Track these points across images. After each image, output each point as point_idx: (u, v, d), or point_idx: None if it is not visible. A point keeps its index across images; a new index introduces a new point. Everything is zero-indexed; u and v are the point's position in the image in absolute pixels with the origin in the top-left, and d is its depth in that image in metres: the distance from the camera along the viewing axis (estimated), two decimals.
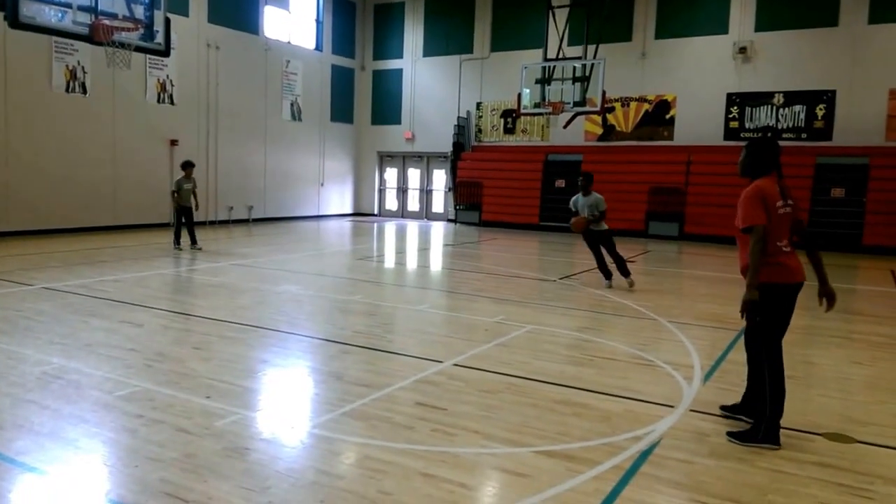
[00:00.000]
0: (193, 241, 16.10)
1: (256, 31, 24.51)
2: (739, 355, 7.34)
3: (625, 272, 11.99)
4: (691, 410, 5.84)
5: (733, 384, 6.35)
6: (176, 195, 16.01)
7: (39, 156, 18.10)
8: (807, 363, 7.54)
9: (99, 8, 11.26)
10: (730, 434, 5.22)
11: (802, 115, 21.75)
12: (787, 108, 21.93)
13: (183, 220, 16.10)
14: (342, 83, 28.99)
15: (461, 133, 27.23)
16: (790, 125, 21.91)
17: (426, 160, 29.01)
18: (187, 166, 16.10)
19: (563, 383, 6.49)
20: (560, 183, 24.52)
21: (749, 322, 5.17)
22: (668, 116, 23.72)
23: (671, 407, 5.89)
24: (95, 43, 11.35)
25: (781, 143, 21.41)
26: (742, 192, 5.20)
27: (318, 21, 27.54)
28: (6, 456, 4.60)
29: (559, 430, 5.31)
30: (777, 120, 22.06)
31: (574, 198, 12.33)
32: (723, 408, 5.71)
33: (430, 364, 7.02)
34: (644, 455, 4.88)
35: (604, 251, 12.24)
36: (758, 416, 5.23)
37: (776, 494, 4.35)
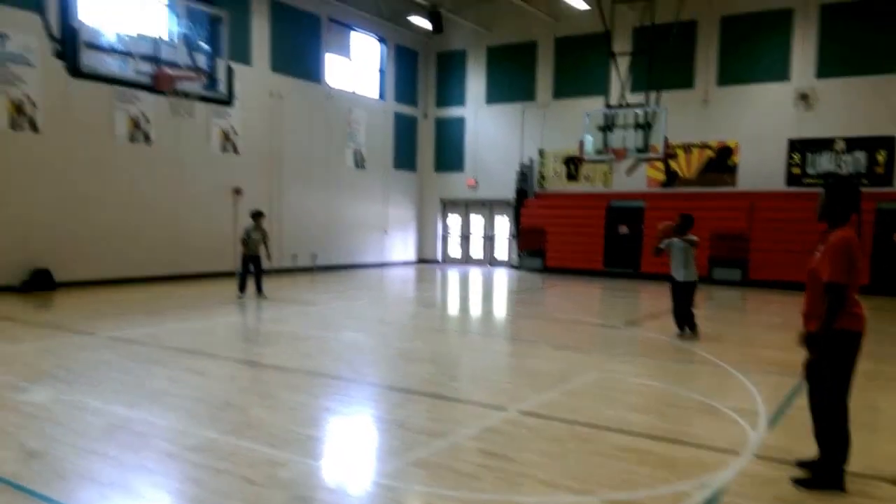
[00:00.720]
0: (259, 290, 16.23)
1: (319, 80, 24.87)
2: (805, 401, 7.17)
3: (693, 325, 11.65)
4: (757, 456, 5.70)
5: (799, 430, 6.12)
6: (244, 244, 16.20)
7: (103, 205, 18.25)
8: (871, 408, 7.31)
9: (161, 57, 11.26)
10: (795, 481, 5.09)
11: (863, 161, 21.43)
12: (848, 154, 21.64)
13: (251, 269, 16.24)
14: (405, 131, 29.33)
15: (524, 180, 27.27)
16: (851, 171, 21.56)
17: (489, 207, 29.07)
18: (257, 216, 16.28)
19: (628, 430, 6.36)
20: (623, 229, 24.36)
21: (812, 356, 5.05)
22: (730, 162, 23.52)
23: (736, 453, 5.74)
24: (158, 92, 11.35)
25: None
26: (831, 240, 5.02)
27: (381, 70, 27.97)
28: None
29: (624, 477, 5.20)
30: (838, 166, 21.73)
31: (668, 241, 12.06)
32: (799, 463, 5.48)
33: (494, 411, 6.95)
34: (710, 503, 4.77)
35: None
36: (822, 462, 5.11)
37: None
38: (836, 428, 5.02)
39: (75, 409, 6.82)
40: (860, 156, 21.48)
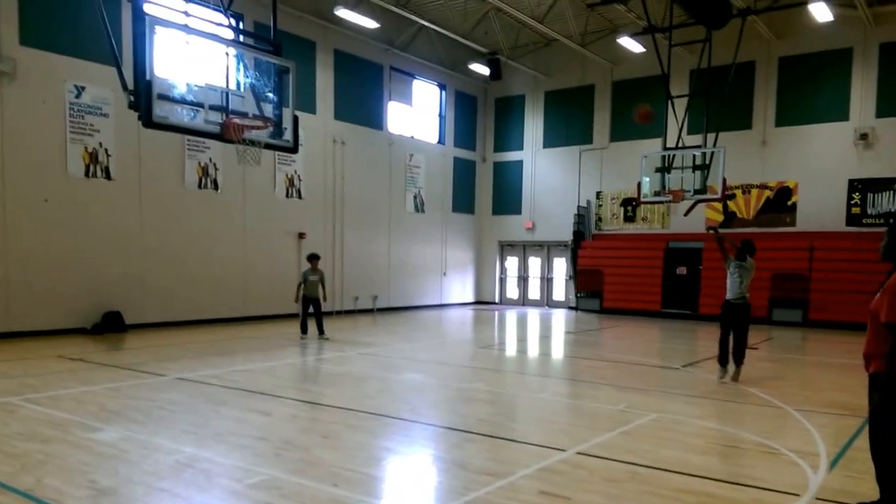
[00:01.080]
0: (321, 331, 16.51)
1: (381, 127, 25.35)
2: (867, 443, 7.08)
3: (739, 359, 11.44)
4: (818, 499, 5.66)
5: (861, 472, 6.10)
6: (302, 286, 16.52)
7: (173, 250, 18.75)
8: None
9: (230, 107, 11.48)
10: None
11: None
12: None
13: (311, 311, 16.54)
14: (464, 175, 29.63)
15: (581, 222, 27.32)
16: None
17: (546, 249, 29.11)
18: (313, 258, 16.65)
19: (688, 472, 6.36)
20: (682, 270, 24.22)
21: (875, 397, 5.01)
22: (789, 203, 23.24)
23: (797, 496, 5.71)
24: (226, 141, 11.51)
25: None
26: (889, 281, 5.02)
27: (440, 116, 28.41)
28: None
29: None
30: None
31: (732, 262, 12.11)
32: None
33: (553, 452, 6.98)
34: None
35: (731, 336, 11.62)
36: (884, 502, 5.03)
37: None
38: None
39: (145, 448, 6.98)
40: None
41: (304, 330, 16.57)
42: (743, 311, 11.60)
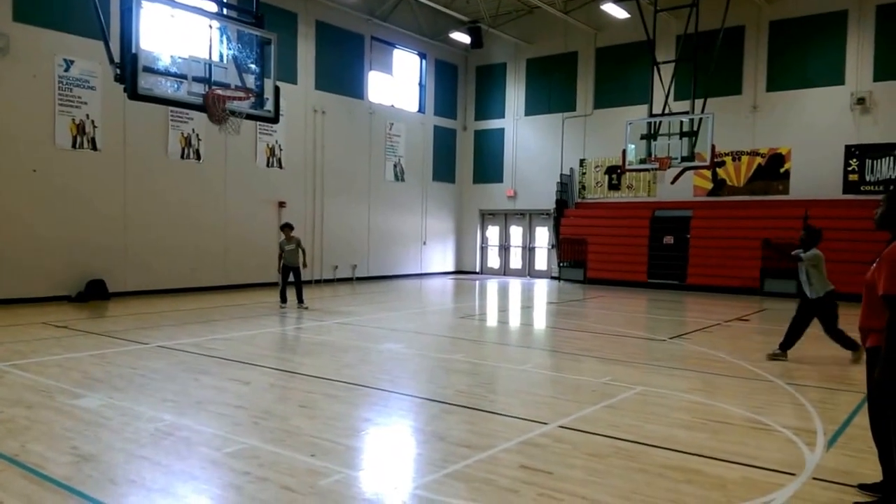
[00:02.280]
0: (300, 300, 16.48)
1: (361, 96, 25.23)
2: (867, 420, 6.98)
3: (850, 344, 10.46)
4: (814, 479, 5.49)
5: (861, 451, 5.95)
6: (281, 256, 16.59)
7: (155, 219, 18.93)
8: None
9: (213, 79, 11.67)
10: None
11: None
12: None
13: (290, 279, 16.53)
14: (444, 143, 29.44)
15: (564, 190, 27.14)
16: None
17: (528, 217, 28.98)
18: (285, 228, 16.78)
19: (675, 448, 6.23)
20: (668, 239, 24.01)
21: (877, 403, 4.86)
22: (782, 170, 22.92)
23: (792, 475, 5.55)
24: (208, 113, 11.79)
25: None
26: (886, 251, 4.74)
27: (420, 84, 28.18)
28: None
29: (671, 497, 5.08)
30: None
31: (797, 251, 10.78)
32: (861, 486, 5.27)
33: (534, 425, 6.87)
34: None
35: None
36: (887, 486, 4.89)
37: None
38: None
39: (126, 415, 7.06)
40: None
41: (283, 299, 16.56)
42: (814, 305, 10.64)
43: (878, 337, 4.75)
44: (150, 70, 10.62)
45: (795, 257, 10.53)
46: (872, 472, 5.27)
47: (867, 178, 21.48)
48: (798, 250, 10.60)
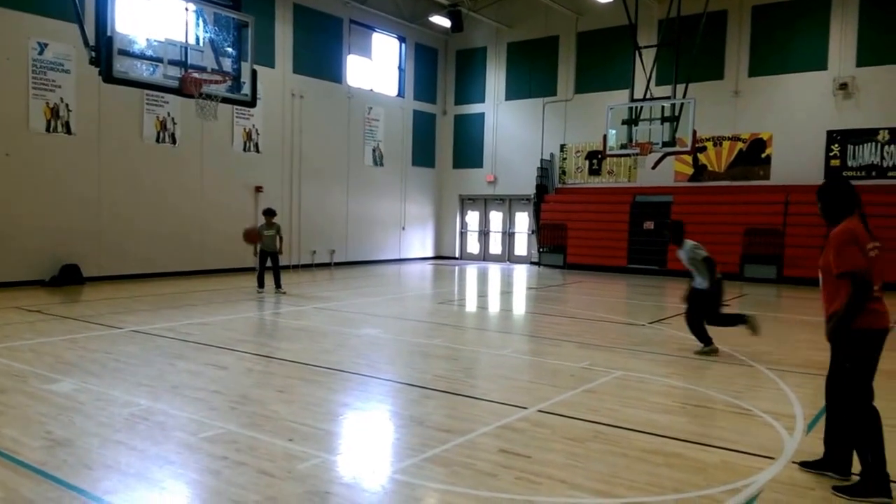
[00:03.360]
0: (278, 285, 16.42)
1: (340, 80, 25.03)
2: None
3: (737, 320, 10.25)
4: (794, 463, 5.48)
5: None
6: (258, 241, 16.44)
7: (130, 203, 18.73)
8: None
9: (189, 62, 11.62)
10: (836, 489, 4.90)
11: None
12: (892, 146, 20.88)
13: (268, 265, 16.43)
14: (424, 128, 29.30)
15: (544, 175, 27.12)
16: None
17: (508, 203, 28.94)
18: (268, 213, 16.63)
19: (654, 432, 6.23)
20: (648, 225, 24.02)
21: (839, 365, 5.00)
22: (763, 155, 22.95)
23: (771, 459, 5.55)
24: (185, 95, 11.70)
25: (887, 181, 20.33)
26: (830, 234, 4.97)
27: (400, 68, 27.99)
28: (94, 496, 4.68)
29: (650, 480, 5.07)
30: (882, 157, 21.01)
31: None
32: (804, 464, 5.33)
33: (513, 410, 6.85)
34: None
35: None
36: (864, 470, 4.89)
37: None
38: (867, 430, 4.85)
39: (101, 399, 7.00)
40: None
41: (260, 284, 16.46)
42: (701, 295, 10.28)
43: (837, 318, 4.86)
44: (125, 53, 10.57)
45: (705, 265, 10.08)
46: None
47: (849, 164, 21.53)
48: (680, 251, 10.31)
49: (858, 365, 4.91)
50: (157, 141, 19.35)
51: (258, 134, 22.17)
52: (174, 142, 19.74)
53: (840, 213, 5.04)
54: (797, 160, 22.13)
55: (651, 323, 13.00)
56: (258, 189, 22.12)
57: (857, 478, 5.04)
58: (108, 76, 10.41)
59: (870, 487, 4.79)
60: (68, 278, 17.15)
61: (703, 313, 10.12)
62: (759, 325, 9.96)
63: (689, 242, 10.16)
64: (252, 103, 13.07)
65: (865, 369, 4.92)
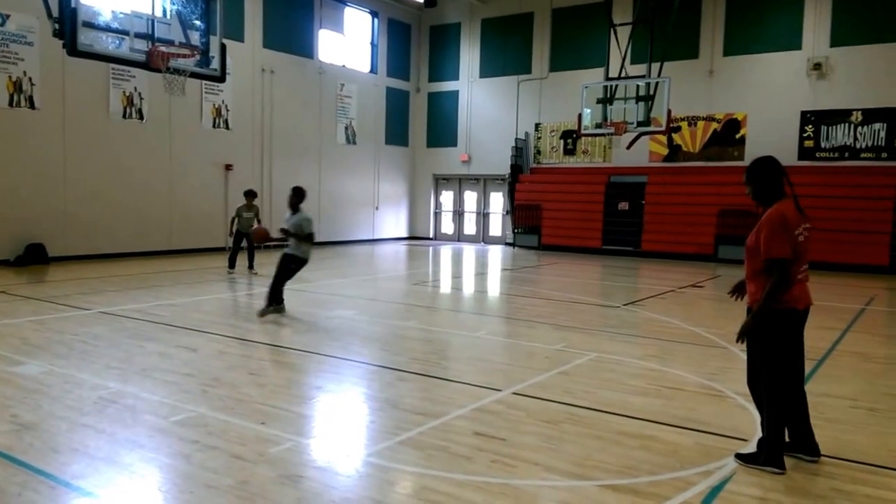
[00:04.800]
0: (251, 266, 16.28)
1: (311, 56, 24.73)
2: (817, 386, 7.11)
3: (275, 300, 10.87)
4: None
5: (810, 416, 5.97)
6: (235, 221, 16.26)
7: (97, 181, 18.42)
8: (891, 395, 7.16)
9: (156, 35, 11.46)
10: (736, 455, 5.08)
11: (883, 134, 20.72)
12: (865, 127, 20.94)
13: (243, 245, 16.29)
14: (397, 106, 29.10)
15: (519, 155, 27.04)
16: (869, 144, 20.90)
17: (483, 183, 28.88)
18: (249, 195, 16.41)
19: (629, 414, 6.23)
20: (623, 205, 24.03)
21: (748, 346, 5.11)
22: (738, 136, 22.99)
23: (744, 440, 5.57)
24: (152, 69, 11.56)
25: (860, 162, 20.38)
26: (764, 216, 5.04)
27: (372, 44, 27.73)
28: (62, 480, 4.63)
29: (625, 463, 5.08)
30: (855, 138, 21.09)
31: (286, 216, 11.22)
32: (738, 456, 5.26)
33: (488, 392, 6.83)
34: (715, 491, 4.64)
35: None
36: (761, 439, 5.05)
37: None
38: (769, 406, 4.98)
39: (68, 382, 6.91)
40: (879, 127, 20.75)
41: (231, 265, 16.35)
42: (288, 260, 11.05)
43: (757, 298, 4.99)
44: (90, 25, 10.41)
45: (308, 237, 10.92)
46: (817, 435, 5.28)
47: (822, 145, 21.62)
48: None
49: (772, 344, 4.95)
50: (124, 117, 18.99)
51: (228, 110, 21.85)
52: (142, 118, 19.39)
53: (772, 195, 5.09)
54: (771, 141, 22.02)
55: (626, 305, 13.02)
56: (228, 167, 21.84)
57: (825, 458, 5.14)
58: (73, 49, 10.26)
59: (761, 457, 4.94)
60: (33, 258, 16.87)
61: (286, 276, 10.90)
62: (267, 315, 10.65)
63: (304, 213, 11.05)
64: (221, 78, 12.91)
65: (784, 349, 4.98)
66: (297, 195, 11.20)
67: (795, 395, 5.12)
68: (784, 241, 4.83)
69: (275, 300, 10.81)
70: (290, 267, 10.91)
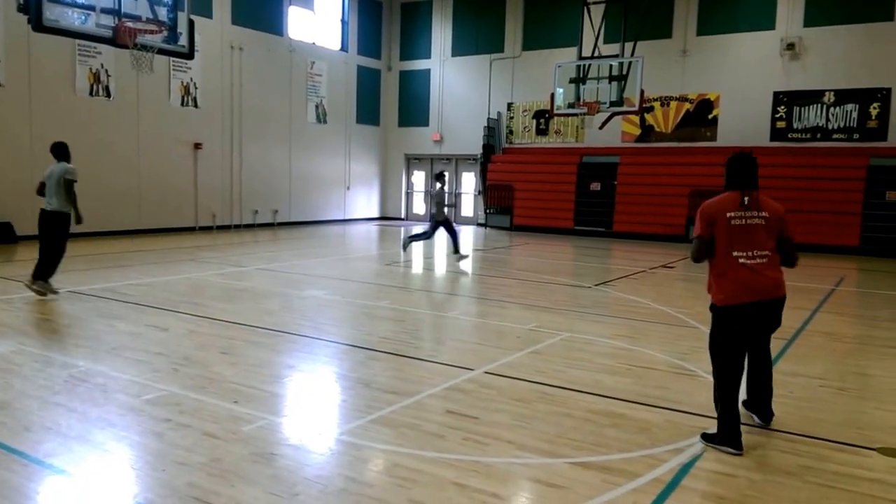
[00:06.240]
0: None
1: (281, 33, 24.46)
2: (788, 366, 7.23)
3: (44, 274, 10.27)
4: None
5: (780, 395, 6.02)
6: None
7: None
8: (860, 374, 7.30)
9: (122, 11, 11.32)
10: (702, 435, 5.20)
11: (855, 115, 20.83)
12: (838, 107, 21.05)
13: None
14: (368, 84, 28.87)
15: (491, 135, 26.99)
16: (841, 125, 21.02)
17: (455, 163, 28.81)
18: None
19: (600, 393, 6.29)
20: (595, 186, 24.05)
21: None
22: (710, 116, 23.02)
23: (714, 418, 5.61)
24: (119, 46, 11.43)
25: (832, 143, 20.43)
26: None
27: (343, 21, 27.43)
28: (34, 458, 4.62)
29: (596, 440, 5.13)
30: (827, 119, 21.19)
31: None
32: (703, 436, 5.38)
33: (460, 371, 6.86)
34: (686, 468, 4.71)
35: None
36: (718, 419, 5.18)
37: None
38: (717, 386, 5.22)
39: (38, 362, 6.89)
40: (851, 108, 20.85)
41: None
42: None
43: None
44: (56, 0, 10.27)
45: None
46: (786, 414, 5.38)
47: (794, 126, 21.69)
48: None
49: (716, 338, 5.27)
50: (91, 94, 18.72)
51: (196, 88, 21.55)
52: (108, 95, 19.13)
53: (728, 184, 5.40)
54: (744, 121, 22.23)
55: (597, 285, 13.09)
56: (197, 146, 21.58)
57: (794, 436, 5.24)
58: (38, 24, 10.14)
59: (717, 437, 5.06)
60: (1, 237, 16.69)
61: (56, 239, 10.32)
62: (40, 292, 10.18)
63: (68, 165, 10.54)
64: (189, 55, 12.79)
65: (725, 343, 5.21)
66: (63, 150, 10.75)
67: (750, 371, 5.46)
68: (701, 223, 5.27)
69: (43, 277, 10.25)
70: (55, 228, 10.33)
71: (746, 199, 5.14)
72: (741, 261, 5.07)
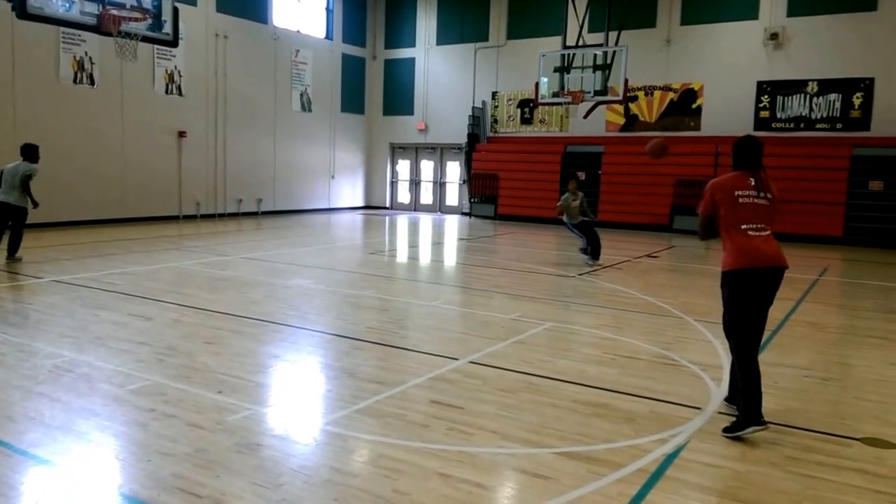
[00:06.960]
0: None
1: (265, 21, 24.31)
2: (772, 356, 7.27)
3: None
4: (720, 413, 5.62)
5: (765, 386, 6.05)
6: None
7: (47, 148, 17.54)
8: (843, 364, 7.35)
9: None
10: (724, 430, 5.17)
11: (838, 105, 20.86)
12: (821, 97, 21.07)
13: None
14: (353, 73, 28.75)
15: (476, 124, 26.93)
16: (825, 115, 21.05)
17: (440, 152, 28.77)
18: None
19: (585, 383, 6.31)
20: (580, 175, 24.03)
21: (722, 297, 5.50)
22: (694, 106, 23.05)
23: (698, 409, 5.68)
24: (103, 33, 11.43)
25: (815, 133, 20.41)
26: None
27: (328, 9, 27.30)
28: (18, 448, 4.61)
29: (580, 430, 5.16)
30: (811, 109, 21.21)
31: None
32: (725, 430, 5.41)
33: (445, 361, 6.87)
34: (670, 458, 4.73)
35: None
36: (739, 410, 5.24)
37: (810, 501, 4.18)
38: (739, 374, 5.23)
39: (22, 351, 6.85)
40: (834, 98, 20.87)
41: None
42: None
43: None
44: None
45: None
46: (771, 404, 5.42)
47: (778, 116, 21.72)
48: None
49: (729, 307, 5.36)
50: (75, 82, 18.59)
51: (181, 76, 21.43)
52: (93, 83, 18.99)
53: (735, 165, 5.65)
54: (727, 111, 22.24)
55: (581, 274, 13.12)
56: (181, 134, 21.46)
57: (779, 426, 5.26)
58: (22, 11, 10.12)
59: (739, 424, 5.10)
60: None
61: (15, 229, 12.01)
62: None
63: (33, 165, 12.21)
64: (174, 43, 12.76)
65: (738, 311, 5.28)
66: (34, 152, 12.42)
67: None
68: (705, 201, 5.49)
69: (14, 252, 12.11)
70: (16, 219, 12.16)
71: (753, 180, 5.41)
72: (750, 232, 5.27)
